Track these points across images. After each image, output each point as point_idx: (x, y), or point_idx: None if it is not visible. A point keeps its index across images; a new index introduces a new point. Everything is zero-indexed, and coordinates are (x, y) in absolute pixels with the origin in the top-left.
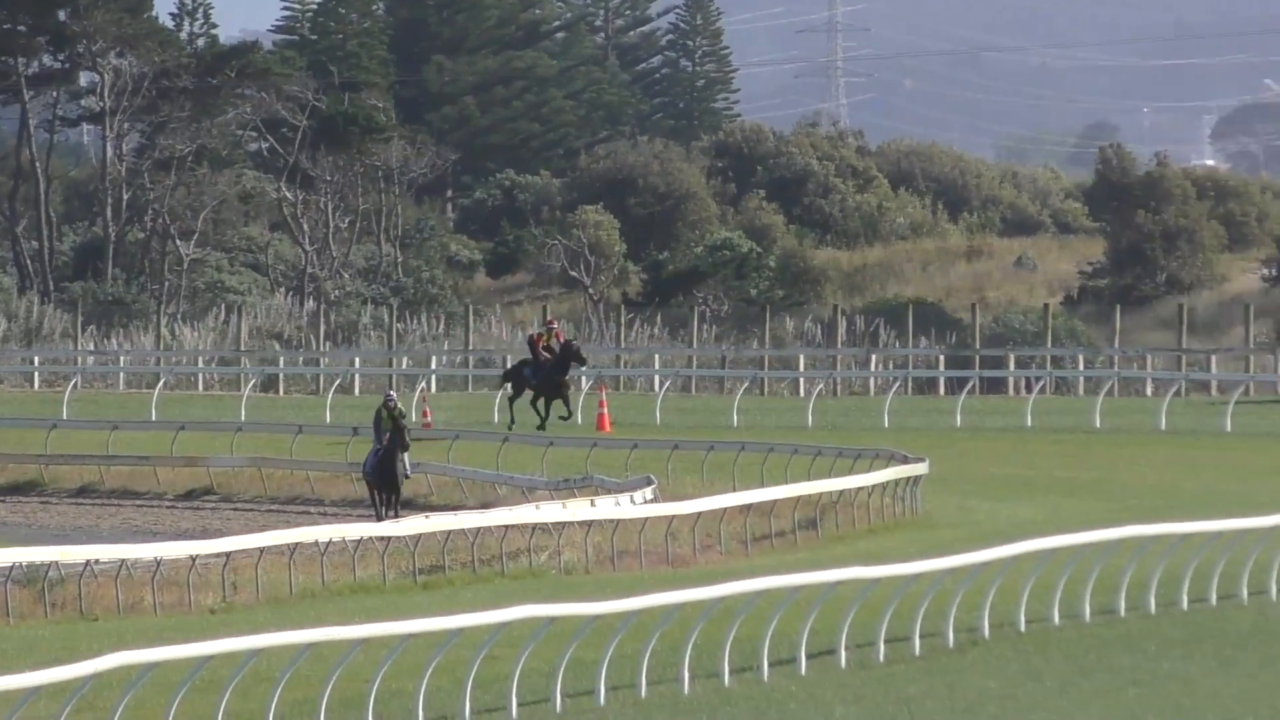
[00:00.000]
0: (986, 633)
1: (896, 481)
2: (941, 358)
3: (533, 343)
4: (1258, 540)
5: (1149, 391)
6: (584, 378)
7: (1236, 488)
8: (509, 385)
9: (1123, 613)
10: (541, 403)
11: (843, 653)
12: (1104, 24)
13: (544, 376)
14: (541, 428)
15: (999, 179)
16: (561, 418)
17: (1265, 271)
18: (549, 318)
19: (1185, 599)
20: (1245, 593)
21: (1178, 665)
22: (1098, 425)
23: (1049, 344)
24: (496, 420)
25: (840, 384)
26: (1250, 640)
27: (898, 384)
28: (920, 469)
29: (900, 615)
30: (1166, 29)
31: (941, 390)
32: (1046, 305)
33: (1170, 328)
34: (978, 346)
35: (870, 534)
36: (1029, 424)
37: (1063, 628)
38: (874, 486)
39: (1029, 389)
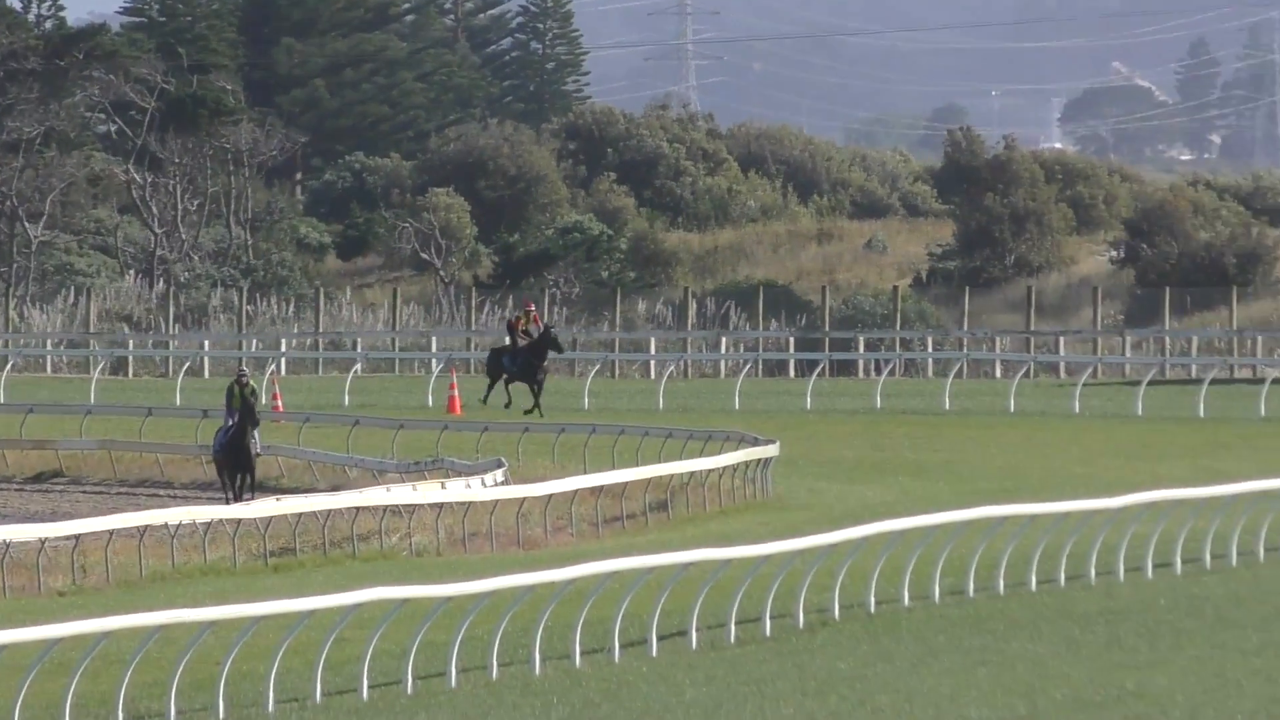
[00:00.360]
0: (837, 614)
1: (747, 463)
2: (792, 340)
3: (511, 326)
4: (1105, 521)
5: (998, 373)
6: (434, 360)
7: (1084, 469)
8: (489, 375)
9: (972, 593)
10: (506, 383)
11: (694, 634)
12: (953, 7)
13: (522, 361)
14: (508, 405)
15: (848, 162)
16: (525, 411)
17: (1113, 254)
18: (526, 301)
19: (1034, 580)
20: (1093, 573)
21: (1026, 645)
22: (947, 407)
23: (898, 326)
24: (347, 403)
25: (691, 366)
26: (1097, 621)
27: (748, 366)
28: (771, 451)
29: (751, 596)
30: (1015, 12)
31: (792, 372)
32: (896, 288)
33: (1019, 310)
34: (827, 329)
35: (721, 516)
36: (878, 406)
37: (912, 609)
38: (725, 468)
39: (878, 371)
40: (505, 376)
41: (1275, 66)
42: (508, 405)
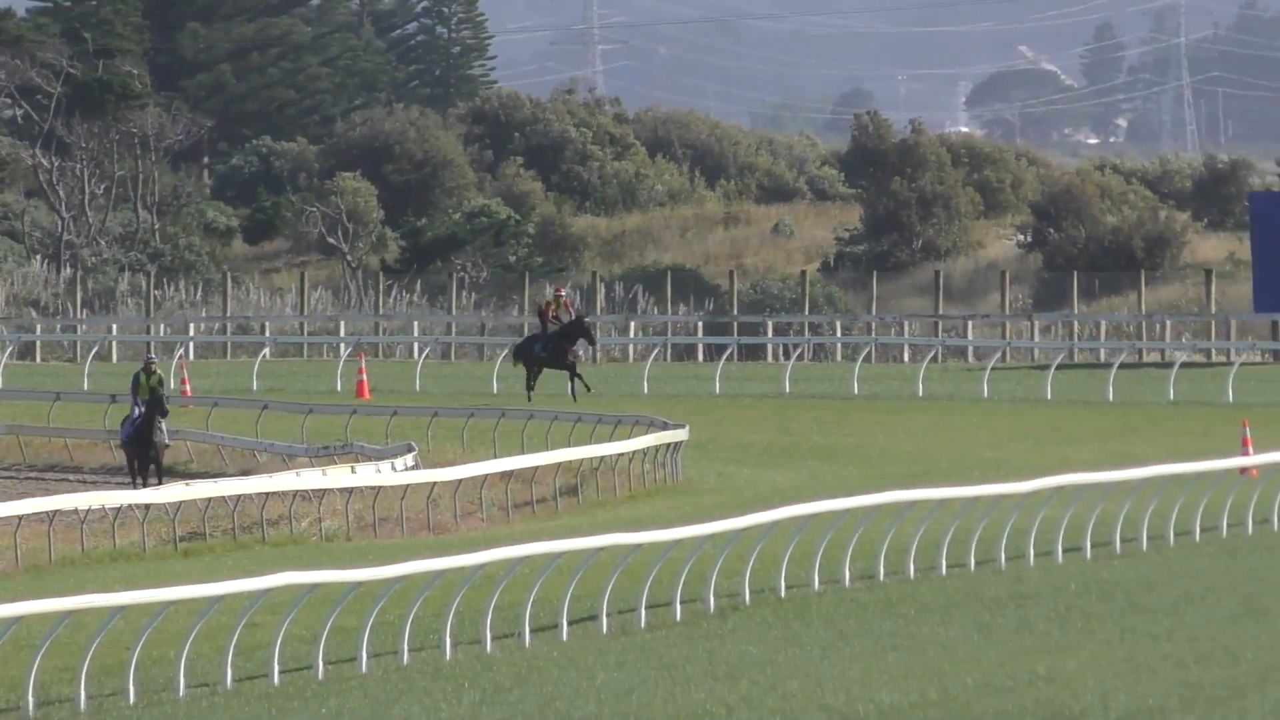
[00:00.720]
0: (747, 598)
1: (657, 448)
2: (700, 324)
3: (542, 313)
4: (1014, 505)
5: (906, 358)
6: (342, 345)
7: (993, 453)
8: (521, 364)
9: (882, 578)
10: (537, 370)
11: (604, 619)
12: None
13: (553, 346)
14: (530, 394)
15: (755, 146)
16: (573, 396)
17: (1020, 238)
18: (557, 287)
19: (944, 564)
20: (1003, 558)
21: (936, 630)
22: (855, 392)
23: (806, 311)
24: (256, 388)
25: (600, 351)
26: (1007, 605)
27: (657, 350)
28: (680, 435)
29: (661, 581)
30: None
31: (700, 357)
32: (804, 272)
33: (927, 294)
34: (735, 313)
35: (631, 500)
36: (787, 390)
37: (823, 593)
38: (634, 453)
39: (787, 356)
40: (538, 362)
41: (1180, 50)
42: (532, 389)
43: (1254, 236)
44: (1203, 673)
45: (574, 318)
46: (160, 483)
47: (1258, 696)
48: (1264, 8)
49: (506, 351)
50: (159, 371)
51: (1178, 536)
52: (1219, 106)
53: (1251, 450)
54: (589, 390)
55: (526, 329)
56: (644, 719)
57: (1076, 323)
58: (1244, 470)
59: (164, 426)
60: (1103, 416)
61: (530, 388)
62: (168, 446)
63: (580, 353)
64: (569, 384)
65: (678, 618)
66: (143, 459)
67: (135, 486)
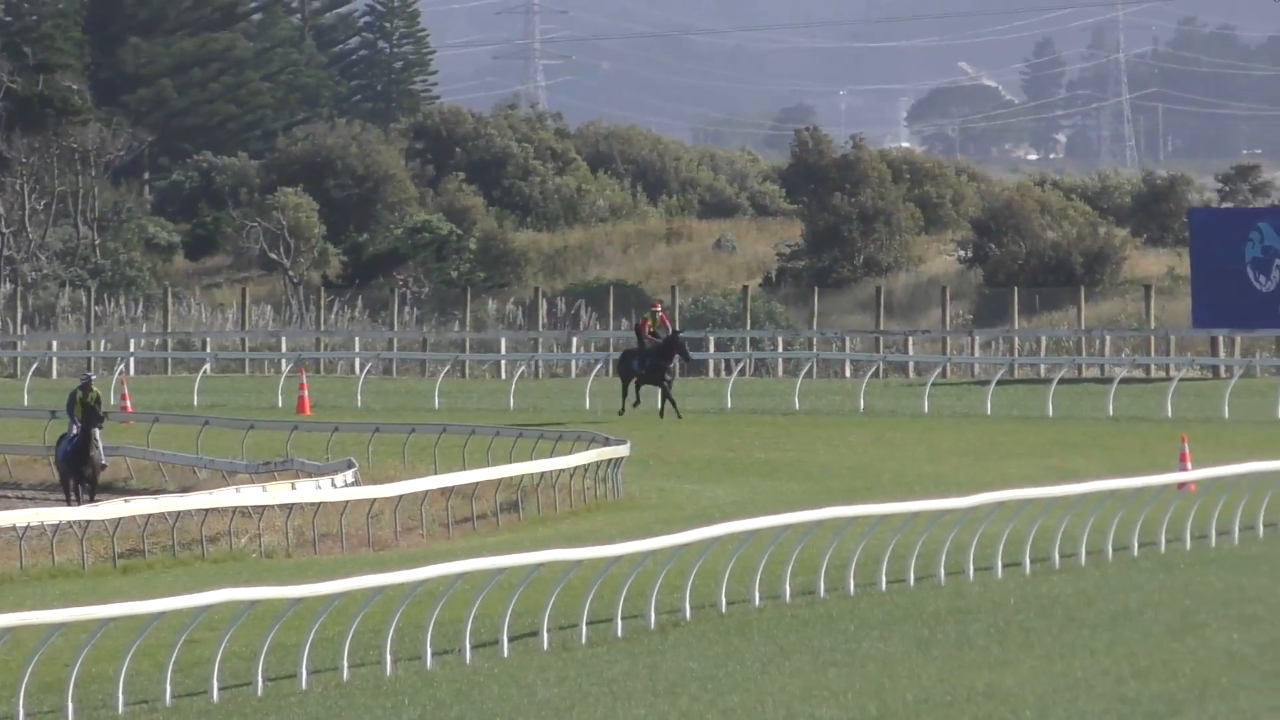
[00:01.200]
0: (688, 614)
1: (598, 464)
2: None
3: (638, 329)
4: (955, 521)
5: (847, 373)
6: (283, 361)
7: (933, 469)
8: (620, 379)
9: (822, 593)
10: (636, 386)
11: (545, 634)
12: (800, 7)
13: (650, 363)
14: (623, 411)
15: (697, 161)
16: (660, 414)
17: (961, 254)
18: (654, 302)
19: (884, 580)
20: (942, 573)
21: (876, 645)
22: (797, 407)
23: (748, 326)
24: (197, 404)
25: (542, 366)
26: (947, 620)
27: (599, 366)
28: (621, 451)
29: (602, 597)
30: (862, 12)
31: None
32: (745, 287)
33: (868, 310)
34: (677, 329)
35: (572, 516)
36: (729, 406)
37: (763, 608)
38: (575, 469)
39: (728, 371)
40: (635, 379)
41: (1120, 66)
42: (636, 404)
43: (1193, 252)
44: (1140, 688)
45: (670, 333)
46: (93, 500)
47: (1195, 711)
48: (1203, 23)
49: (446, 368)
50: (96, 390)
51: (1116, 552)
52: (1158, 122)
53: (1190, 465)
54: (679, 416)
55: (468, 345)
56: None
57: (1017, 338)
58: (1182, 485)
59: (101, 445)
60: (1042, 432)
61: (625, 405)
62: (104, 466)
63: (675, 368)
64: (660, 403)
65: (619, 633)
66: (79, 477)
67: (70, 504)
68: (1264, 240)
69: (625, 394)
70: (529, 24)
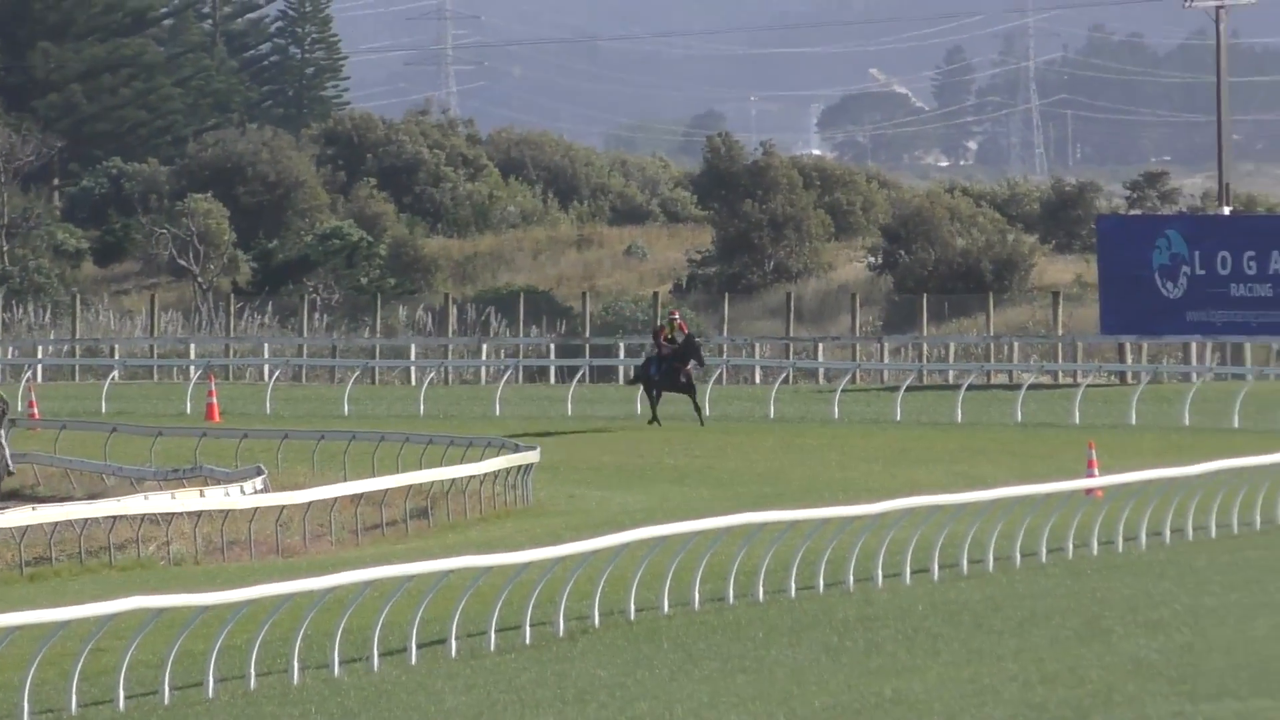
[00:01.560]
0: (597, 621)
1: (508, 470)
2: (552, 346)
3: (656, 335)
4: (864, 527)
5: (757, 379)
6: (192, 367)
7: (843, 475)
8: (640, 388)
9: (731, 600)
10: (655, 394)
11: (454, 642)
12: (712, 13)
13: (666, 368)
14: (654, 420)
15: (608, 168)
16: (698, 421)
17: (871, 260)
18: (672, 310)
19: (793, 586)
20: (851, 580)
21: (785, 652)
22: (706, 413)
23: None
24: (105, 410)
25: (452, 373)
26: (855, 627)
27: (509, 372)
28: (531, 457)
29: (511, 604)
30: (773, 18)
31: (552, 378)
32: (656, 293)
33: (778, 316)
34: (588, 335)
35: (482, 523)
36: (638, 413)
37: (672, 615)
38: (485, 475)
39: None
40: (653, 386)
41: (1029, 73)
42: (653, 420)
43: (1101, 259)
44: (1048, 693)
45: (686, 338)
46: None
47: (1101, 717)
48: (1112, 30)
49: (355, 374)
50: (1, 393)
51: (1024, 558)
52: (1067, 129)
53: (1097, 472)
54: (701, 423)
55: (378, 352)
56: None
57: (926, 345)
58: (1089, 492)
59: (8, 452)
60: (951, 438)
61: (654, 413)
62: (11, 473)
63: (693, 372)
64: (692, 402)
65: (527, 641)
66: None
67: None
68: (1171, 247)
69: (650, 401)
70: (441, 30)
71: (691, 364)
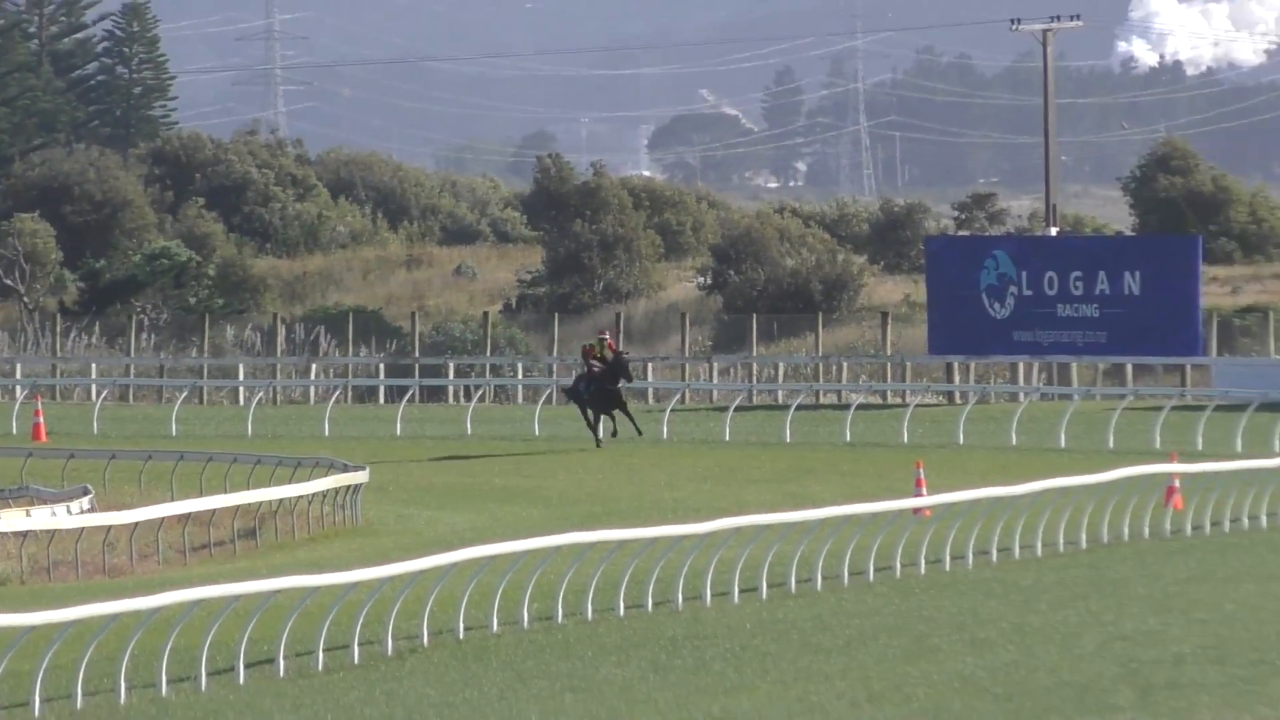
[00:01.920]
0: (426, 640)
1: (337, 490)
2: (381, 366)
3: (586, 354)
4: (692, 546)
5: None
6: (18, 387)
7: (672, 494)
8: (576, 406)
9: (560, 619)
10: (592, 415)
11: (282, 661)
12: (543, 34)
13: (596, 389)
14: (598, 444)
15: (438, 188)
16: (612, 434)
17: (700, 280)
18: (601, 330)
19: (622, 605)
20: (680, 599)
21: (614, 670)
22: (536, 433)
23: (488, 352)
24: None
25: (280, 393)
26: (684, 645)
27: (338, 392)
28: (360, 477)
29: (339, 624)
30: (604, 39)
31: (382, 399)
32: (486, 314)
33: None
34: (418, 355)
35: (311, 542)
36: (469, 432)
37: (501, 634)
38: (314, 495)
39: (468, 397)
40: (584, 404)
41: (858, 95)
42: (601, 441)
43: (929, 279)
44: (875, 712)
45: (615, 356)
46: None
47: None
48: (940, 52)
49: (184, 394)
50: None
51: (852, 576)
52: (896, 150)
53: (925, 491)
54: (640, 434)
55: (206, 372)
56: None
57: (755, 364)
58: (917, 511)
59: None
60: (780, 458)
61: (595, 431)
62: None
63: (620, 389)
64: (614, 423)
65: (355, 660)
66: None
67: None
68: (999, 268)
69: (587, 421)
70: (270, 50)
71: (621, 382)
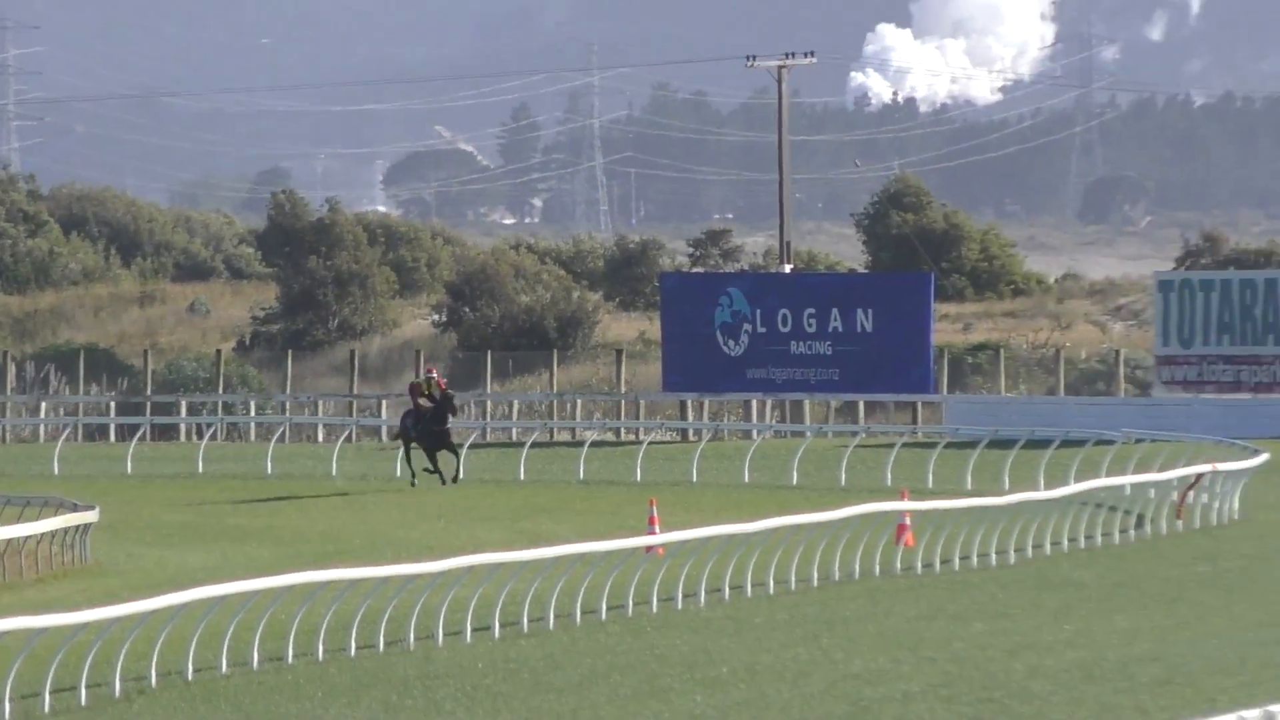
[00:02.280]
0: (154, 681)
1: (65, 529)
2: (113, 404)
3: (413, 390)
4: (425, 585)
5: (320, 437)
6: None
7: (405, 533)
8: (400, 443)
9: (290, 659)
10: (423, 455)
11: (7, 705)
12: (277, 69)
13: (423, 427)
14: (443, 481)
15: (172, 224)
16: (435, 474)
17: (435, 317)
18: (428, 366)
19: (353, 645)
20: (412, 638)
21: (344, 711)
22: (269, 471)
23: (220, 390)
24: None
25: (10, 431)
26: (415, 685)
27: (68, 431)
28: (90, 517)
29: (67, 665)
30: (338, 74)
31: (112, 437)
32: (219, 351)
33: (343, 373)
34: (149, 393)
35: (39, 583)
36: (200, 470)
37: (230, 675)
38: (42, 534)
39: (200, 435)
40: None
41: (594, 131)
42: (427, 469)
43: (664, 316)
44: None
45: (442, 394)
46: None
47: None
48: (675, 89)
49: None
50: None
51: (584, 615)
52: (631, 186)
53: (658, 529)
54: (456, 479)
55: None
56: None
57: (490, 402)
58: (650, 549)
59: None
60: (514, 496)
61: (426, 467)
62: None
63: (448, 428)
64: (439, 471)
65: (83, 702)
66: None
67: None
68: (733, 305)
69: (409, 460)
70: (3, 84)
71: (449, 420)
